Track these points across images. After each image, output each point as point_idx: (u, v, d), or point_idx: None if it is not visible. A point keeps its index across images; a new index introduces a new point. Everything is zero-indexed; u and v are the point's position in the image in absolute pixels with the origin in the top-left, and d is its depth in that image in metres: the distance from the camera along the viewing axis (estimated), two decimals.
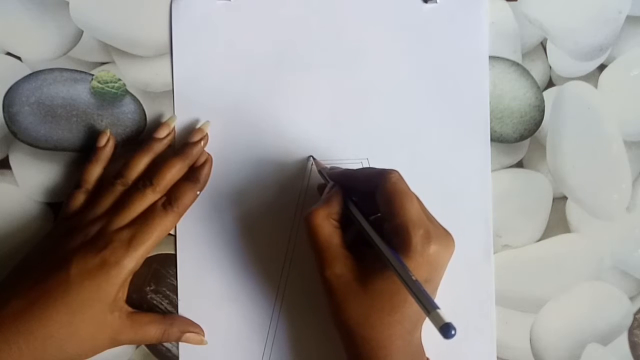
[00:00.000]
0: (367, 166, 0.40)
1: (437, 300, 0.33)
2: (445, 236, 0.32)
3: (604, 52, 0.42)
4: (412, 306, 0.31)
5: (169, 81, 0.40)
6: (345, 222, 0.34)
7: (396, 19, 0.41)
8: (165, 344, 0.39)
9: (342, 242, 0.33)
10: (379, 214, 0.33)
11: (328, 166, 0.38)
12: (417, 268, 0.30)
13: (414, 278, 0.28)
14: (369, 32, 0.41)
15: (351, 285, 0.32)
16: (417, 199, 0.34)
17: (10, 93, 0.39)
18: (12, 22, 0.39)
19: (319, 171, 0.38)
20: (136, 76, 0.40)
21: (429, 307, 0.26)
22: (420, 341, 0.33)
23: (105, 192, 0.36)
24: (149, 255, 0.36)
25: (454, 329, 0.24)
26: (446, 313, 0.25)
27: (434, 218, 0.34)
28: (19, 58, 0.39)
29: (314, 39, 0.40)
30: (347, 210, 0.34)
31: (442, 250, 0.31)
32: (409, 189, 0.32)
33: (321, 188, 0.39)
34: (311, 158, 0.39)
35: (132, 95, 0.40)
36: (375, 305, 0.31)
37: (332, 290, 0.32)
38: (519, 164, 0.41)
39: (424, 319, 0.32)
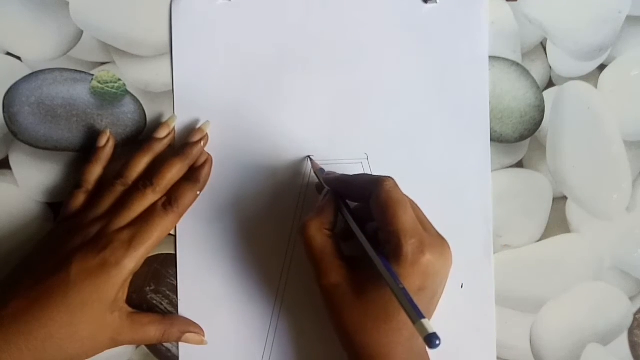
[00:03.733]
0: (367, 166, 0.40)
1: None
2: (440, 244, 0.32)
3: (604, 52, 0.42)
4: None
5: (169, 81, 0.40)
6: (351, 231, 0.34)
7: (396, 19, 0.41)
8: (165, 344, 0.39)
9: (337, 252, 0.33)
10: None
11: (329, 169, 0.38)
12: (409, 277, 0.30)
13: (400, 286, 0.28)
14: (369, 32, 0.41)
15: (347, 294, 0.32)
16: (415, 206, 0.34)
17: (10, 93, 0.39)
18: (12, 22, 0.39)
19: (315, 172, 0.38)
20: (136, 76, 0.40)
21: (414, 317, 0.26)
22: (424, 346, 0.33)
23: (105, 192, 0.36)
24: (149, 255, 0.36)
25: (439, 339, 0.25)
26: (431, 323, 0.26)
27: (431, 226, 0.33)
28: (19, 58, 0.39)
29: (314, 39, 0.40)
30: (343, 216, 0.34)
31: (436, 260, 0.31)
32: (403, 196, 0.32)
33: (319, 188, 0.39)
34: (308, 158, 0.39)
35: (132, 95, 0.40)
36: (371, 314, 0.31)
37: (329, 299, 0.32)
38: (519, 164, 0.41)
39: None
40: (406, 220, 0.31)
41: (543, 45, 0.42)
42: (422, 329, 0.25)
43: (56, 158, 0.39)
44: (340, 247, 0.34)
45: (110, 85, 0.40)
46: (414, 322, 0.26)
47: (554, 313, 0.41)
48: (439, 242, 0.32)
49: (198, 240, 0.39)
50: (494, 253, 0.40)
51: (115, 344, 0.35)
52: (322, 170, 0.38)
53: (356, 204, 0.36)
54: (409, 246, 0.30)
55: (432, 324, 0.26)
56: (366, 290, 0.31)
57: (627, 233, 0.41)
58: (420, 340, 0.32)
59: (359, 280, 0.32)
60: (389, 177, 0.32)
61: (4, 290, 0.33)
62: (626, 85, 0.42)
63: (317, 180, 0.39)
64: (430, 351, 0.34)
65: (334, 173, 0.37)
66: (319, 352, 0.39)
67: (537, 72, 0.42)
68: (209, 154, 0.38)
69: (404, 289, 0.28)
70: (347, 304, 0.32)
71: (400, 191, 0.32)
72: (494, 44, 0.41)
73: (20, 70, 0.39)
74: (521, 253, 0.41)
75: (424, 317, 0.26)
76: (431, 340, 0.25)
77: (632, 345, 0.41)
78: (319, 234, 0.33)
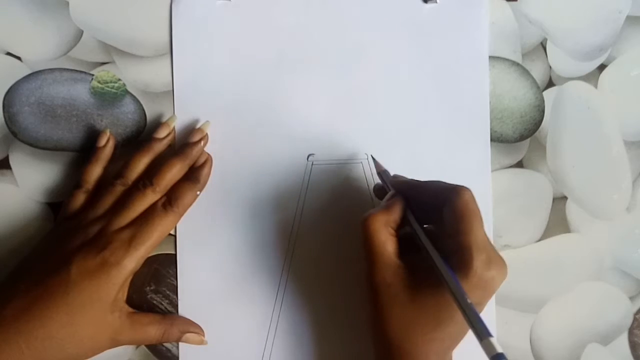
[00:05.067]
0: (367, 166, 0.40)
1: None
2: (502, 263, 0.31)
3: (604, 52, 0.42)
4: (456, 326, 0.30)
5: (169, 81, 0.40)
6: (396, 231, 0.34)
7: (396, 19, 0.41)
8: (165, 344, 0.39)
9: (397, 251, 0.33)
10: (430, 226, 0.33)
11: (329, 169, 0.38)
12: (471, 290, 0.29)
13: (469, 301, 0.27)
14: (369, 32, 0.41)
15: (399, 295, 0.31)
16: None
17: (10, 93, 0.39)
18: (12, 22, 0.39)
19: (379, 173, 0.38)
20: (136, 76, 0.40)
21: (482, 334, 0.26)
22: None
23: (105, 192, 0.36)
24: (149, 255, 0.36)
25: (506, 359, 0.24)
26: (498, 342, 0.25)
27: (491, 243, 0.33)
28: (19, 58, 0.39)
29: (314, 39, 0.40)
30: (406, 220, 0.34)
31: (498, 277, 0.30)
32: (479, 210, 0.31)
33: (377, 190, 0.38)
34: (370, 156, 0.39)
35: (132, 95, 0.40)
36: (420, 319, 0.31)
37: (379, 297, 0.32)
38: (519, 164, 0.41)
39: (462, 339, 0.32)
40: (480, 234, 0.30)
41: (543, 45, 0.42)
42: (489, 347, 0.25)
43: (56, 158, 0.39)
44: (399, 248, 0.33)
45: (110, 85, 0.40)
46: (480, 340, 0.25)
47: (554, 313, 0.41)
48: (501, 260, 0.31)
49: (198, 240, 0.39)
50: None
51: (115, 344, 0.35)
52: (386, 172, 0.37)
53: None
54: (479, 261, 0.29)
55: (498, 344, 0.25)
56: (421, 295, 0.31)
57: (627, 233, 0.41)
58: (451, 354, 0.32)
59: (413, 284, 0.31)
60: (467, 187, 0.32)
61: (4, 290, 0.33)
62: (626, 85, 0.42)
63: (318, 179, 0.39)
64: None
65: (401, 176, 0.37)
66: (320, 352, 0.39)
67: (537, 72, 0.42)
68: (208, 154, 0.38)
69: (471, 304, 0.27)
70: (397, 305, 0.31)
71: (476, 203, 0.31)
72: (494, 44, 0.41)
73: (20, 70, 0.39)
74: (521, 253, 0.41)
75: (492, 336, 0.25)
76: None
77: (632, 345, 0.41)
78: (383, 229, 0.33)
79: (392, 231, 0.33)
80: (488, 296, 0.31)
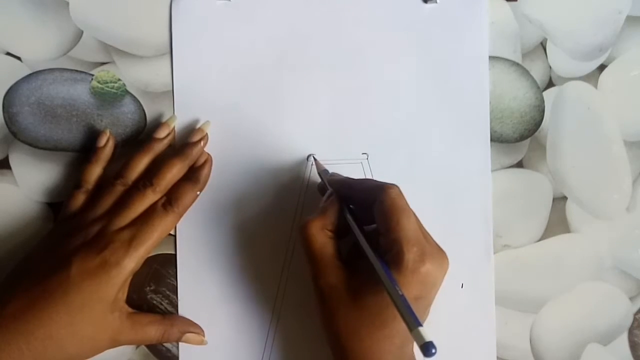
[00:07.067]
0: (367, 166, 0.40)
1: (436, 305, 0.33)
2: (439, 255, 0.32)
3: (604, 52, 0.42)
4: (402, 322, 0.30)
5: (169, 81, 0.40)
6: (345, 231, 0.34)
7: (396, 19, 0.41)
8: (165, 344, 0.39)
9: (336, 253, 0.33)
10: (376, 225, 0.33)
11: (329, 169, 0.38)
12: (408, 285, 0.29)
13: (400, 293, 0.28)
14: (369, 32, 0.41)
15: (342, 296, 0.32)
16: (415, 216, 0.33)
17: (10, 93, 0.39)
18: (12, 22, 0.39)
19: (319, 173, 0.38)
20: (136, 76, 0.40)
21: (412, 324, 0.26)
22: (413, 355, 0.33)
23: (105, 193, 0.36)
24: (149, 255, 0.36)
25: (435, 347, 0.25)
26: (428, 331, 0.26)
27: (430, 236, 0.33)
28: (19, 58, 0.39)
29: (314, 39, 0.40)
30: (345, 219, 0.34)
31: (435, 269, 0.31)
32: (407, 205, 0.32)
33: (321, 188, 0.39)
34: (311, 157, 0.39)
35: (132, 95, 0.40)
36: (365, 319, 0.31)
37: (324, 300, 0.32)
38: (519, 164, 0.41)
39: None
40: (409, 228, 0.31)
41: (543, 45, 0.42)
42: (419, 336, 0.25)
43: (56, 158, 0.39)
44: (339, 249, 0.34)
45: (110, 85, 0.40)
46: (410, 330, 0.26)
47: (554, 313, 0.41)
48: (439, 253, 0.32)
49: (198, 240, 0.39)
50: (494, 253, 0.40)
51: (115, 344, 0.35)
52: (325, 171, 0.38)
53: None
54: (411, 254, 0.30)
55: (429, 332, 0.26)
56: (362, 295, 0.31)
57: (627, 233, 0.41)
58: (410, 348, 0.32)
59: (356, 284, 0.32)
60: (394, 184, 0.32)
61: (4, 290, 0.33)
62: (626, 85, 0.42)
63: (318, 179, 0.39)
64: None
65: (338, 175, 0.37)
66: (319, 352, 0.39)
67: (537, 72, 0.42)
68: (208, 154, 0.38)
69: (402, 296, 0.28)
70: (342, 306, 0.32)
71: (405, 199, 0.32)
72: (494, 44, 0.41)
73: (20, 70, 0.39)
74: (521, 253, 0.41)
75: (421, 325, 0.26)
76: (427, 348, 0.25)
77: (632, 345, 0.41)
78: (320, 234, 0.33)
79: (330, 234, 0.34)
80: (429, 290, 0.31)
